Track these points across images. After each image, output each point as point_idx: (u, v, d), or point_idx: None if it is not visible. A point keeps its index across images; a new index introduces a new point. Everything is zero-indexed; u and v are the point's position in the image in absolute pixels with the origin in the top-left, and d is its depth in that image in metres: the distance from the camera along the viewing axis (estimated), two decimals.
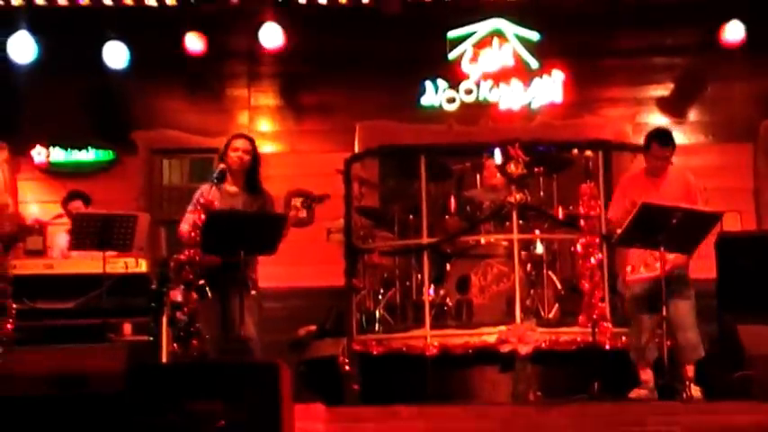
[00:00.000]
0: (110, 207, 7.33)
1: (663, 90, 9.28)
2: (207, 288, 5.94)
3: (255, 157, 6.31)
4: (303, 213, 6.14)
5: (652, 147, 6.44)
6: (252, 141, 6.37)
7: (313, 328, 8.02)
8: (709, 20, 8.86)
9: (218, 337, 6.02)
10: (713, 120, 9.21)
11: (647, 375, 6.31)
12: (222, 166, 6.26)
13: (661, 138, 6.48)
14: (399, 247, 7.79)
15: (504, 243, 7.34)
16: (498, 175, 7.68)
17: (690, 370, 6.26)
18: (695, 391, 6.16)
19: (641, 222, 6.08)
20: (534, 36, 9.17)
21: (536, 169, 7.44)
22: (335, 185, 7.48)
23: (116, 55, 8.93)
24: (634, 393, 6.28)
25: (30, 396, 4.86)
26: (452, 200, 7.68)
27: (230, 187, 6.21)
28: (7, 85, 9.03)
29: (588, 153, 6.57)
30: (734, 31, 8.76)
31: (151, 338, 6.55)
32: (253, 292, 6.12)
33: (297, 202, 6.21)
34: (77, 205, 7.39)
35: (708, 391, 6.35)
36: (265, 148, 9.26)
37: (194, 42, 8.96)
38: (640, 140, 8.74)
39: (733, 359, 6.67)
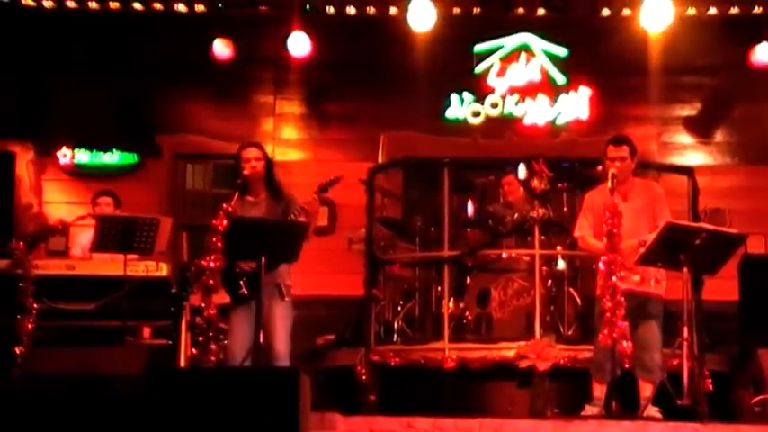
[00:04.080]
0: (133, 210, 7.33)
1: (690, 110, 9.26)
2: (246, 295, 5.91)
3: (269, 162, 6.27)
4: (323, 220, 6.10)
5: (607, 150, 6.30)
6: (261, 148, 6.31)
7: (331, 337, 8.02)
8: (739, 40, 8.82)
9: (248, 342, 5.97)
10: (740, 141, 9.17)
11: (600, 392, 6.20)
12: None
13: (614, 140, 6.36)
14: (420, 258, 7.81)
15: (526, 258, 7.33)
16: (521, 190, 7.70)
17: (647, 389, 6.17)
18: (653, 411, 6.08)
19: (665, 242, 6.03)
20: (562, 52, 9.17)
21: (560, 185, 7.43)
22: (358, 195, 7.49)
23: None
24: (586, 410, 6.21)
25: (48, 395, 4.86)
26: (473, 211, 7.68)
27: (250, 197, 6.18)
28: (34, 86, 9.09)
29: (612, 171, 6.50)
30: (764, 53, 8.71)
31: (170, 342, 6.55)
32: (286, 299, 6.08)
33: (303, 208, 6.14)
34: (107, 201, 7.39)
35: (727, 414, 6.29)
36: (289, 155, 9.33)
37: (222, 48, 9.00)
38: (666, 160, 8.85)
39: (753, 382, 6.63)
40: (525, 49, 9.19)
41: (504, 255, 7.42)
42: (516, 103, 9.17)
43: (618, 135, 6.60)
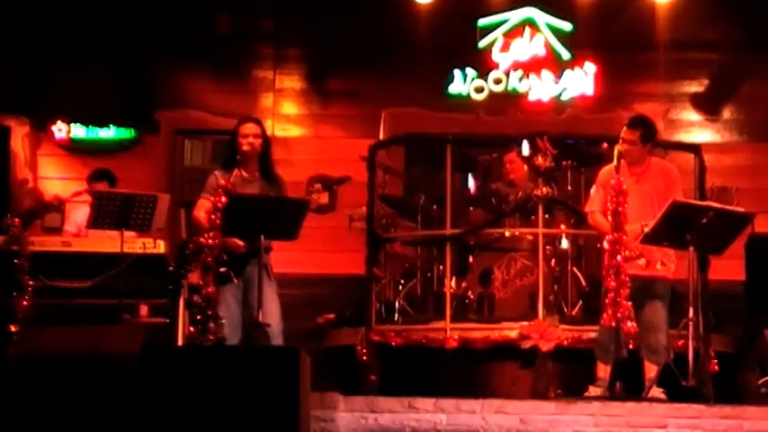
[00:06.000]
0: (130, 186, 7.28)
1: (697, 86, 9.16)
2: (231, 274, 5.88)
3: (266, 140, 6.19)
4: (324, 198, 6.06)
5: (623, 131, 6.23)
6: (260, 124, 6.24)
7: (332, 316, 7.99)
8: (747, 15, 8.73)
9: (237, 321, 5.96)
10: (748, 118, 9.08)
11: (604, 373, 6.16)
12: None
13: (629, 122, 6.28)
14: (422, 237, 7.74)
15: (529, 237, 7.28)
16: (524, 168, 7.62)
17: (652, 370, 6.12)
18: (657, 392, 6.03)
19: (670, 220, 5.96)
20: (566, 26, 9.06)
21: (564, 163, 7.37)
22: (359, 172, 7.40)
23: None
24: (589, 391, 6.16)
25: (44, 374, 4.84)
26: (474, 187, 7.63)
27: (245, 173, 6.10)
28: (30, 60, 8.98)
29: (618, 148, 6.41)
30: None
31: (167, 321, 6.50)
32: (273, 279, 6.08)
33: (317, 185, 6.10)
34: (102, 186, 7.34)
35: (733, 395, 6.24)
36: (289, 131, 9.26)
37: (222, 22, 8.90)
38: (672, 137, 8.76)
39: (759, 363, 6.58)
40: (529, 23, 9.07)
41: (507, 234, 7.35)
42: (520, 79, 9.07)
43: (636, 117, 6.46)
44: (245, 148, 6.06)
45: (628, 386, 6.05)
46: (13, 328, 5.97)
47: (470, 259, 7.42)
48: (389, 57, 8.94)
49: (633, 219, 6.02)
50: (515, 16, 9.09)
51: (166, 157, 9.25)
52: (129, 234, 6.61)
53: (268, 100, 9.30)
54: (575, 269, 7.31)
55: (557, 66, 9.04)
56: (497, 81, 9.07)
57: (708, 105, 9.15)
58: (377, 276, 7.43)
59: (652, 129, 6.31)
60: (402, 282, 7.80)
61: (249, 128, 6.13)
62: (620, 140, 6.20)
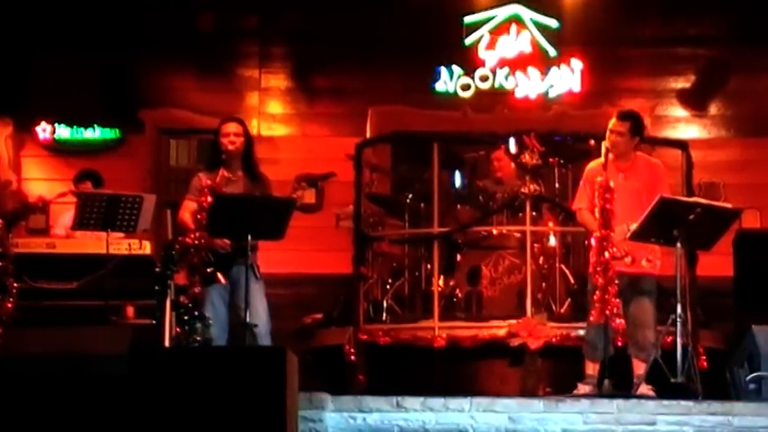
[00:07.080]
0: (115, 187, 7.25)
1: (684, 82, 9.13)
2: (218, 274, 5.86)
3: (248, 139, 6.20)
4: (311, 197, 6.06)
5: (612, 122, 6.23)
6: (243, 124, 6.28)
7: (319, 316, 7.95)
8: (734, 10, 8.71)
9: (224, 322, 5.94)
10: (735, 113, 9.06)
11: (592, 370, 6.16)
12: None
13: (619, 113, 6.30)
14: (409, 235, 7.72)
15: (517, 235, 7.27)
16: (511, 165, 7.60)
17: (641, 367, 6.12)
18: (645, 389, 6.03)
19: (658, 217, 5.95)
20: (553, 23, 9.03)
21: (551, 160, 7.36)
22: (346, 171, 7.38)
23: None
24: (578, 389, 6.15)
25: (30, 377, 4.78)
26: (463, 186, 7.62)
27: (228, 173, 6.11)
28: (13, 59, 8.91)
29: (605, 144, 6.39)
30: None
31: (154, 322, 6.46)
32: (260, 279, 6.06)
33: (302, 184, 6.09)
34: (86, 187, 7.31)
35: (722, 391, 6.23)
36: (275, 130, 9.21)
37: (205, 20, 8.85)
38: (659, 133, 8.75)
39: (748, 359, 6.57)
40: (516, 20, 9.05)
41: (495, 231, 7.35)
42: (507, 76, 9.03)
43: (626, 110, 6.50)
44: (227, 147, 6.08)
45: (616, 383, 6.02)
46: None
47: (458, 257, 7.41)
48: (376, 54, 8.92)
49: (620, 215, 6.00)
50: (502, 13, 9.05)
51: (151, 157, 9.18)
52: (115, 235, 6.58)
53: (253, 99, 9.25)
54: (563, 266, 7.32)
55: (543, 62, 9.01)
56: (484, 78, 9.04)
57: (695, 101, 9.13)
58: (364, 275, 7.40)
59: (641, 122, 6.32)
60: (390, 281, 7.79)
61: (230, 127, 6.17)
62: (609, 132, 6.18)
